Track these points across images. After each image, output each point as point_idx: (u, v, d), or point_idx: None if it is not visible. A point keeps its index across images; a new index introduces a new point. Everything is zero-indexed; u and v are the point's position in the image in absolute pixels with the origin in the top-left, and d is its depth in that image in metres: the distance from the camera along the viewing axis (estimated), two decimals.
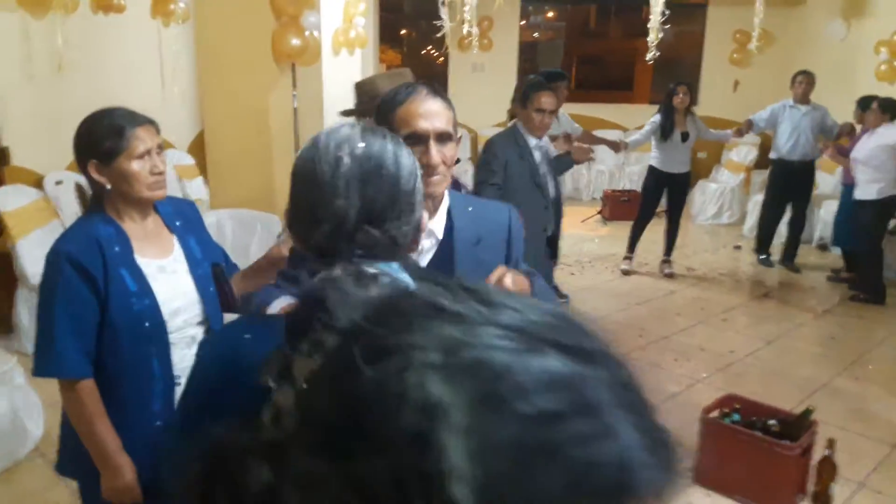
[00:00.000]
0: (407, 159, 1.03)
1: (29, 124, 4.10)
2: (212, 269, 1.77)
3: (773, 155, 6.32)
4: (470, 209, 1.58)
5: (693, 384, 4.00)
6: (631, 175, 9.03)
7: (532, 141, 3.53)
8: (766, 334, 4.85)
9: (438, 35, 6.16)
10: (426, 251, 1.54)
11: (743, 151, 8.52)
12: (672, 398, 3.82)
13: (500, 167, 3.36)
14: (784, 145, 6.12)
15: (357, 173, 0.96)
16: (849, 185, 5.77)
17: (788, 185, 6.22)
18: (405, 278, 0.95)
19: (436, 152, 1.44)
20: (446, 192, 1.53)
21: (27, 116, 4.11)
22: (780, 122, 6.14)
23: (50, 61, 4.31)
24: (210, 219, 3.93)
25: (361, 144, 0.98)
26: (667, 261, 6.17)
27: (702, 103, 9.71)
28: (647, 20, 6.59)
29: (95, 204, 1.68)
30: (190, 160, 6.21)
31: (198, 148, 6.48)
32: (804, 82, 6.05)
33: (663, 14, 6.48)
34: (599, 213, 8.17)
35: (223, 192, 3.99)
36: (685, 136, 5.77)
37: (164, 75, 5.89)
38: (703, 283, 6.03)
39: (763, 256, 6.56)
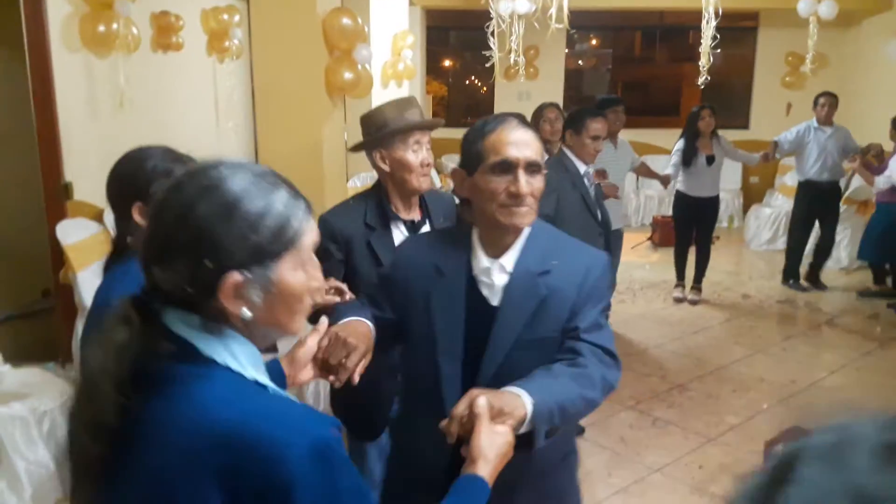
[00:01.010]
0: (252, 203, 0.90)
1: (91, 160, 4.23)
2: None
3: (798, 177, 6.30)
4: (554, 243, 1.52)
5: (753, 416, 3.87)
6: None
7: (582, 168, 3.49)
8: (830, 363, 4.68)
9: (487, 65, 6.21)
10: (497, 287, 1.47)
11: (797, 176, 8.31)
12: (731, 430, 3.70)
13: (551, 196, 3.31)
14: (811, 167, 6.11)
15: (158, 202, 0.92)
16: (883, 203, 5.79)
17: (816, 206, 6.21)
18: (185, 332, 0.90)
19: (525, 182, 1.41)
20: (527, 227, 1.48)
21: (89, 152, 4.25)
22: (805, 143, 6.10)
23: (111, 99, 4.46)
24: None
25: (183, 174, 0.94)
26: (695, 287, 6.03)
27: (753, 127, 9.56)
28: (695, 45, 6.52)
29: (125, 247, 1.64)
30: None
31: None
32: (827, 104, 6.03)
33: (714, 38, 6.41)
34: (649, 238, 8.05)
35: None
36: (710, 160, 5.68)
37: (219, 110, 6.05)
38: (760, 310, 5.86)
39: (792, 281, 6.46)
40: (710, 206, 5.84)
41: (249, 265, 0.90)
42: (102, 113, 4.45)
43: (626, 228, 6.41)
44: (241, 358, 0.93)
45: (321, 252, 2.14)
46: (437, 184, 7.56)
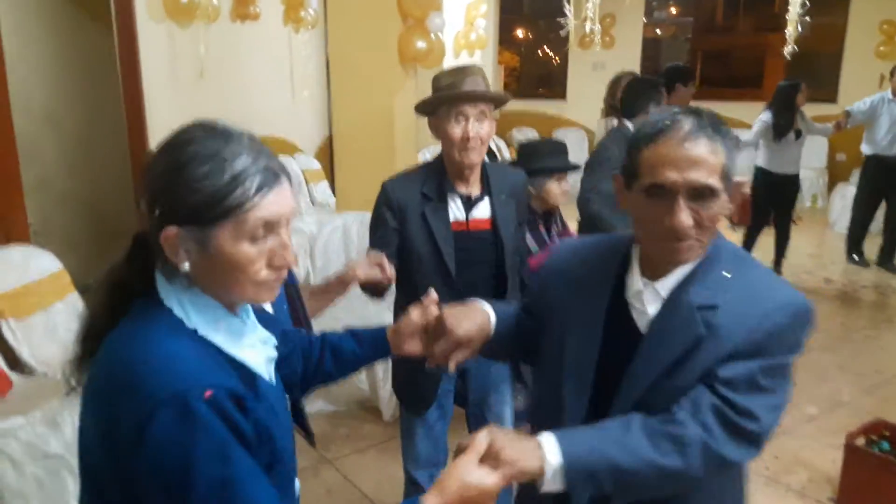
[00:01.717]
0: (200, 168, 0.96)
1: (172, 128, 4.37)
2: (285, 288, 1.65)
3: (867, 150, 6.04)
4: (736, 272, 1.19)
5: (834, 407, 3.72)
6: None
7: None
8: None
9: (562, 33, 6.05)
10: (648, 314, 1.21)
11: (866, 149, 7.90)
12: (810, 421, 3.57)
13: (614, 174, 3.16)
14: (882, 140, 5.88)
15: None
16: None
17: (885, 181, 5.98)
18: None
19: (685, 216, 1.12)
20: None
21: (171, 120, 4.37)
22: (878, 115, 5.86)
23: (192, 68, 4.57)
24: (337, 221, 4.05)
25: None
26: (775, 271, 5.77)
27: (841, 100, 9.06)
28: (780, 13, 6.20)
29: None
30: (316, 165, 6.42)
31: (324, 153, 6.70)
32: None
33: (803, 6, 6.08)
34: (728, 217, 7.78)
35: (350, 194, 4.09)
36: (799, 134, 5.46)
37: (294, 80, 6.12)
38: (843, 295, 5.61)
39: (855, 256, 6.26)
40: (793, 184, 5.63)
41: (186, 223, 0.96)
42: (184, 83, 4.56)
43: None
44: (187, 306, 0.99)
45: (378, 218, 2.17)
46: (507, 157, 7.48)
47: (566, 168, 2.83)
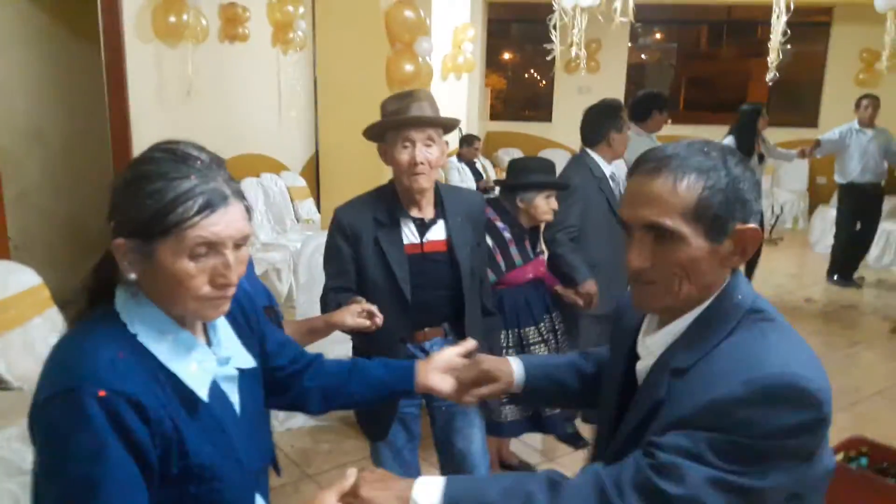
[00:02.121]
0: (148, 186, 1.01)
1: None
2: (265, 312, 1.60)
3: (839, 179, 6.33)
4: (724, 332, 1.05)
5: None
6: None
7: (608, 169, 3.29)
8: None
9: (548, 58, 6.15)
10: (641, 372, 1.16)
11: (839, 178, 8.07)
12: None
13: (577, 206, 3.10)
14: (854, 169, 6.16)
15: None
16: None
17: (859, 208, 6.25)
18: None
19: (634, 255, 1.06)
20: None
21: (157, 139, 4.39)
22: (847, 146, 6.15)
23: (180, 87, 4.60)
24: (321, 238, 4.04)
25: None
26: None
27: (822, 125, 9.23)
28: (763, 40, 6.33)
29: None
30: (302, 182, 6.46)
31: (309, 171, 6.74)
32: (870, 106, 6.07)
33: (784, 34, 6.21)
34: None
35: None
36: (762, 158, 5.64)
37: (282, 101, 6.17)
38: (824, 315, 5.68)
39: (838, 277, 6.49)
40: None
41: (132, 236, 1.02)
42: (171, 102, 4.59)
43: None
44: (133, 315, 1.05)
45: (332, 247, 2.16)
46: (493, 176, 7.53)
47: (555, 186, 2.86)
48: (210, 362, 1.11)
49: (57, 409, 0.94)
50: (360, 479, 1.07)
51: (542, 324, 2.88)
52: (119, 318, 1.05)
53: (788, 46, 5.94)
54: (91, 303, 1.09)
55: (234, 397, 1.16)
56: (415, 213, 2.07)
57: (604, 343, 1.42)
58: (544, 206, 2.80)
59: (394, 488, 1.05)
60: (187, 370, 1.07)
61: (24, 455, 2.57)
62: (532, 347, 2.84)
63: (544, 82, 11.19)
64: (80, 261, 4.77)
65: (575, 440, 3.17)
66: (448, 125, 2.09)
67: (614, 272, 3.26)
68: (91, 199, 5.09)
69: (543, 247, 3.00)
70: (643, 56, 12.07)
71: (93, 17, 4.27)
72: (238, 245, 1.06)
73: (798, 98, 9.75)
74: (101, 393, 0.94)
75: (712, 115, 10.88)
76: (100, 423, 0.93)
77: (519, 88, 12.37)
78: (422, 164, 1.97)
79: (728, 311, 1.05)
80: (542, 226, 3.04)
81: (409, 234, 2.07)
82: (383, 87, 3.90)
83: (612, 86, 9.28)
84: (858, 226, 6.36)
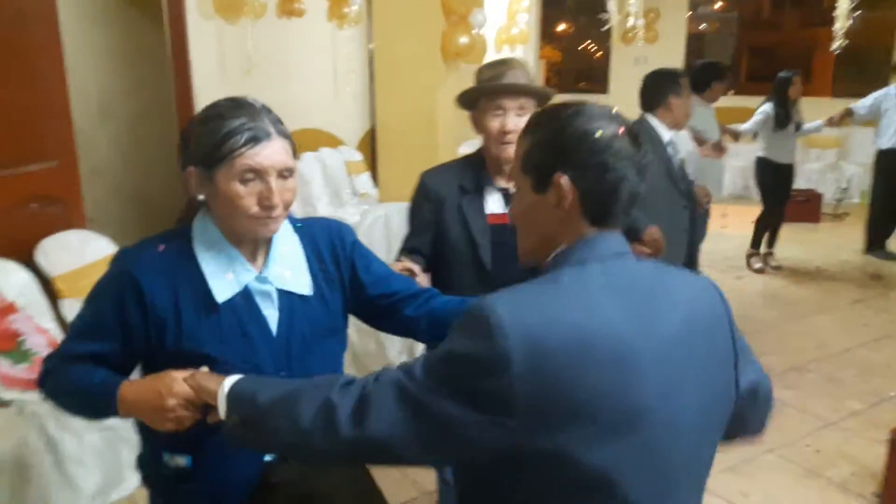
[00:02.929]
0: (210, 124, 1.27)
1: None
2: None
3: (880, 145, 6.11)
4: None
5: (878, 402, 3.67)
6: (809, 174, 8.41)
7: (666, 135, 3.27)
8: None
9: (604, 28, 6.05)
10: None
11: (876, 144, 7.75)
12: (853, 415, 3.53)
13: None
14: (893, 135, 5.95)
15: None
16: None
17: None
18: None
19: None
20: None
21: None
22: (884, 111, 5.96)
23: (240, 63, 4.69)
24: (379, 211, 4.11)
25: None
26: (771, 253, 6.02)
27: None
28: (829, 7, 6.09)
29: None
30: (358, 156, 6.53)
31: (365, 145, 6.80)
32: None
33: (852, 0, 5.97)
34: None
35: (392, 186, 4.16)
36: (798, 126, 5.60)
37: (337, 75, 6.22)
38: (894, 292, 5.50)
39: (879, 250, 6.32)
40: (791, 173, 5.81)
41: (197, 164, 1.27)
42: (232, 78, 4.69)
43: (745, 202, 6.17)
44: (198, 227, 1.33)
45: (415, 208, 2.18)
46: None
47: None
48: (247, 276, 1.33)
49: (109, 267, 1.33)
50: (198, 370, 1.23)
51: None
52: (189, 229, 1.33)
53: (857, 13, 5.73)
54: (181, 221, 1.36)
55: (269, 312, 1.35)
56: (501, 183, 2.05)
57: None
58: None
59: (218, 377, 1.18)
60: (219, 276, 1.31)
61: None
62: None
63: (600, 53, 11.00)
64: (148, 231, 4.95)
65: None
66: (542, 95, 2.04)
67: (673, 237, 3.24)
68: (157, 172, 5.27)
69: None
70: (703, 25, 11.73)
71: None
72: (282, 175, 1.28)
73: (866, 67, 9.35)
74: (124, 268, 1.29)
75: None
76: (111, 283, 1.30)
77: (574, 60, 12.18)
78: (512, 132, 1.94)
79: (559, 264, 1.06)
80: None
81: (494, 204, 2.05)
82: (438, 61, 3.90)
83: (671, 56, 9.05)
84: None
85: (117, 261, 1.32)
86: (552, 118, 1.08)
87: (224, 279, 1.31)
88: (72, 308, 3.14)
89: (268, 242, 1.37)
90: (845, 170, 8.61)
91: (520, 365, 0.90)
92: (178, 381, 1.20)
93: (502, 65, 2.05)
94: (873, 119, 6.10)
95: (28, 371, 2.89)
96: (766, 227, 5.95)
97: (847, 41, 5.67)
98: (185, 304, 1.29)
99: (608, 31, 6.44)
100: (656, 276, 1.06)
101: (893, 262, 6.18)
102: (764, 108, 5.54)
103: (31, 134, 3.13)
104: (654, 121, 3.25)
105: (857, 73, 9.86)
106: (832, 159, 8.77)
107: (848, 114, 6.02)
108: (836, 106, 6.55)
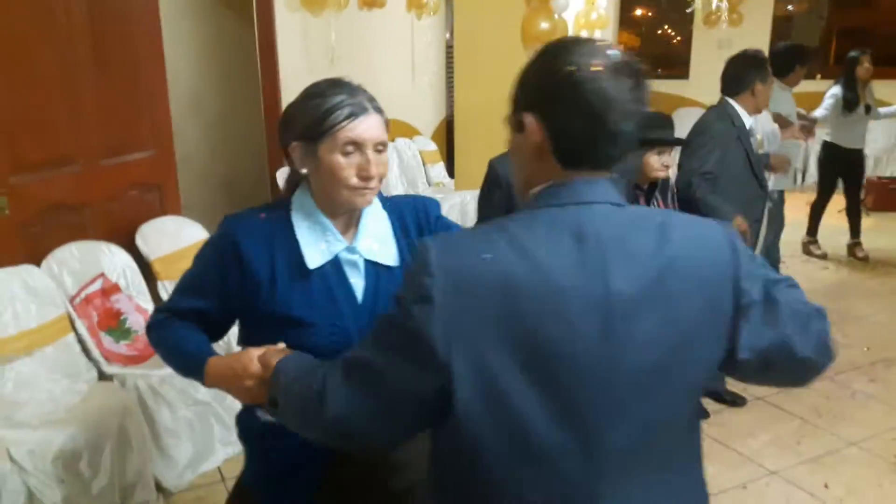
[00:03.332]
0: (310, 101, 1.36)
1: None
2: None
3: None
4: None
5: None
6: None
7: (748, 121, 3.19)
8: None
9: (688, 10, 5.92)
10: None
11: None
12: None
13: (715, 153, 3.05)
14: None
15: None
16: None
17: None
18: None
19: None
20: None
21: None
22: None
23: (324, 54, 4.84)
24: (455, 199, 4.20)
25: None
26: (858, 243, 5.77)
27: None
28: None
29: None
30: (433, 146, 6.61)
31: (440, 135, 6.88)
32: None
33: None
34: (861, 202, 7.35)
35: (469, 174, 4.22)
36: (869, 109, 5.34)
37: (415, 65, 6.32)
38: None
39: None
40: (859, 159, 5.61)
41: (301, 139, 1.36)
42: (316, 69, 4.84)
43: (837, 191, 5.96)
44: (297, 199, 1.43)
45: (486, 194, 2.22)
46: None
47: (666, 141, 2.76)
48: (337, 245, 1.41)
49: (216, 231, 1.45)
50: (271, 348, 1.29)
51: None
52: (289, 202, 1.44)
53: None
54: (283, 195, 1.48)
55: (356, 280, 1.43)
56: None
57: None
58: (655, 162, 2.73)
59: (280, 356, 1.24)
60: (313, 245, 1.40)
61: (198, 387, 2.87)
62: None
63: (679, 38, 10.73)
64: None
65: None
66: None
67: (749, 224, 3.19)
68: (243, 161, 5.49)
69: (661, 205, 2.88)
70: (790, 7, 11.27)
71: None
72: (378, 149, 1.36)
73: None
74: (227, 232, 1.41)
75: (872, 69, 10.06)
76: (216, 245, 1.42)
77: (653, 45, 11.92)
78: None
79: (528, 206, 1.05)
80: (672, 180, 2.99)
81: None
82: (519, 47, 3.93)
83: (756, 39, 8.73)
84: None
85: (222, 226, 1.43)
86: (535, 55, 1.06)
87: (317, 248, 1.40)
88: (168, 289, 3.34)
89: (358, 216, 1.45)
90: None
91: (440, 304, 0.92)
92: (254, 361, 1.28)
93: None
94: None
95: (129, 348, 3.10)
96: (821, 214, 5.77)
97: None
98: (280, 269, 1.38)
99: (689, 15, 6.30)
100: (630, 228, 0.99)
101: None
102: (833, 92, 5.38)
103: (132, 124, 3.34)
104: (736, 105, 3.20)
105: None
106: None
107: None
108: None
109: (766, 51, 6.00)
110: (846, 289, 5.10)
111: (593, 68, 0.97)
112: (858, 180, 5.70)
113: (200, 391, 2.88)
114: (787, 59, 4.30)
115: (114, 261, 3.14)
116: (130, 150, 3.34)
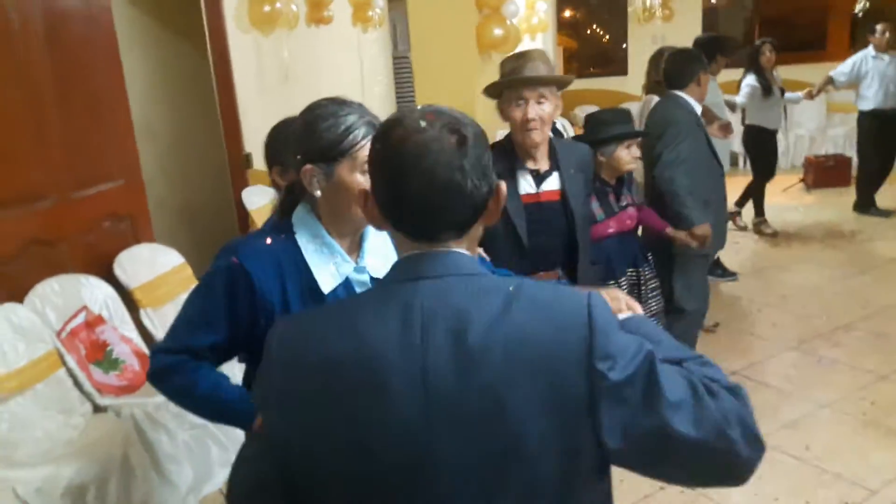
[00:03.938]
0: (324, 123, 1.36)
1: (263, 132, 4.65)
2: None
3: (862, 107, 6.25)
4: None
5: None
6: (835, 139, 8.42)
7: (697, 108, 3.38)
8: None
9: (631, 8, 6.14)
10: None
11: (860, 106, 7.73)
12: None
13: (688, 141, 3.20)
14: (875, 96, 6.10)
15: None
16: None
17: (881, 135, 6.21)
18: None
19: None
20: None
21: (262, 123, 4.65)
22: (863, 73, 6.11)
23: (277, 73, 4.85)
24: None
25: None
26: (764, 220, 6.09)
27: None
28: None
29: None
30: None
31: None
32: (887, 30, 6.02)
33: None
34: (802, 180, 7.71)
35: None
36: (783, 92, 5.78)
37: (364, 76, 6.36)
38: None
39: (871, 208, 6.44)
40: (774, 139, 5.96)
41: (317, 161, 1.35)
42: (271, 88, 4.85)
43: (776, 170, 6.27)
44: (301, 221, 1.42)
45: None
46: (571, 134, 7.54)
47: (634, 135, 2.87)
48: (346, 267, 1.42)
49: (215, 261, 1.42)
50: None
51: (622, 279, 2.90)
52: (291, 223, 1.42)
53: None
54: (282, 214, 1.46)
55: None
56: (531, 164, 2.24)
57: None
58: (626, 156, 2.81)
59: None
60: (323, 268, 1.40)
61: None
62: None
63: (607, 37, 11.05)
64: (194, 242, 5.13)
65: None
66: (560, 82, 2.23)
67: (718, 209, 3.38)
68: (202, 187, 5.44)
69: (631, 199, 2.97)
70: (714, 0, 11.71)
71: (193, 16, 4.55)
72: None
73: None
74: (234, 260, 1.38)
75: (790, 55, 10.52)
76: (220, 275, 1.39)
77: (590, 45, 12.23)
78: (534, 119, 2.13)
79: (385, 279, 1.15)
80: (640, 174, 3.12)
81: (526, 185, 2.23)
82: (474, 53, 4.04)
83: (688, 33, 9.06)
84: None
85: (227, 253, 1.40)
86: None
87: (327, 270, 1.40)
88: (150, 317, 3.32)
89: (362, 235, 1.46)
90: None
91: (277, 376, 0.97)
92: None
93: (522, 57, 2.24)
94: (854, 83, 6.25)
95: (119, 378, 3.07)
96: (763, 193, 6.07)
97: (867, 4, 5.76)
98: (293, 295, 1.37)
99: (621, 13, 6.53)
100: (469, 302, 0.92)
101: (884, 218, 6.33)
102: (748, 81, 5.70)
103: (99, 155, 3.31)
104: (686, 96, 3.37)
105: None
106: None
107: (828, 81, 6.26)
108: None
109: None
110: (800, 263, 5.35)
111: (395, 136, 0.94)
112: (776, 159, 6.10)
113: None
114: (708, 49, 4.56)
115: (94, 293, 3.11)
116: (99, 181, 3.31)
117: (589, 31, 12.31)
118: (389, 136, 0.94)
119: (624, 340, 0.92)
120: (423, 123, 0.94)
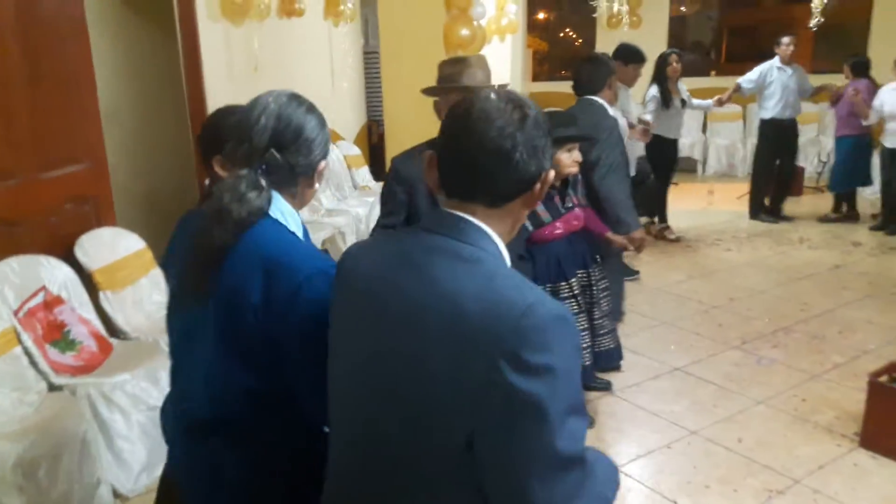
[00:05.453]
0: (313, 123, 1.43)
1: None
2: None
3: (763, 115, 6.59)
4: None
5: (859, 356, 3.95)
6: None
7: (613, 113, 3.56)
8: None
9: (595, 15, 6.29)
10: None
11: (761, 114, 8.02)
12: (836, 368, 3.81)
13: (620, 145, 3.43)
14: (776, 106, 6.45)
15: (275, 113, 1.37)
16: (843, 137, 6.55)
17: (779, 142, 6.58)
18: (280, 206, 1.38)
19: None
20: None
21: None
22: (768, 83, 6.44)
23: (247, 63, 4.90)
24: None
25: (284, 99, 1.41)
26: (667, 227, 6.33)
27: (873, 71, 9.11)
28: None
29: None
30: (357, 150, 6.74)
31: (362, 139, 7.02)
32: (792, 44, 6.39)
33: None
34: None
35: None
36: (684, 103, 6.00)
37: (334, 71, 6.43)
38: (872, 258, 5.79)
39: (763, 215, 6.81)
40: (676, 148, 6.21)
41: (306, 174, 1.43)
42: (240, 78, 4.89)
43: (731, 179, 6.47)
44: (287, 217, 1.43)
45: (388, 192, 2.42)
46: None
47: (574, 138, 2.88)
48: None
49: (320, 283, 1.31)
50: None
51: (573, 279, 2.97)
52: (276, 220, 1.42)
53: None
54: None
55: None
56: None
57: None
58: (567, 159, 2.86)
59: None
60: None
61: (151, 392, 2.94)
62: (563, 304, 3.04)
63: (580, 41, 11.22)
64: (158, 230, 5.15)
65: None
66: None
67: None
68: (167, 172, 5.46)
69: (577, 200, 3.04)
70: (683, 8, 11.96)
71: (164, 3, 4.57)
72: None
73: (844, 42, 9.60)
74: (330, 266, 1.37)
75: (754, 64, 10.81)
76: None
77: (560, 48, 12.40)
78: None
79: None
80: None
81: None
82: (441, 52, 4.13)
83: (655, 40, 9.30)
84: (777, 161, 6.71)
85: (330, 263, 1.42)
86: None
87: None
88: (109, 299, 3.36)
89: None
90: (825, 144, 8.90)
91: (334, 287, 1.22)
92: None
93: (460, 63, 2.35)
94: (757, 91, 6.59)
95: (75, 358, 3.11)
96: (665, 199, 6.30)
97: (822, 19, 5.96)
98: None
99: (591, 18, 6.69)
100: (430, 255, 1.05)
101: (779, 223, 6.69)
102: (653, 93, 5.89)
103: (65, 137, 3.34)
104: (601, 101, 3.52)
105: (836, 48, 10.12)
106: (812, 134, 9.04)
107: (736, 89, 6.55)
108: (815, 81, 6.83)
109: (664, 49, 6.47)
110: (747, 267, 5.55)
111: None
112: (674, 167, 6.30)
113: (153, 396, 2.94)
114: (621, 59, 4.75)
115: (54, 273, 3.14)
116: (65, 163, 3.34)
117: (561, 34, 12.49)
118: (462, 103, 1.07)
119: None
120: (492, 95, 1.06)
